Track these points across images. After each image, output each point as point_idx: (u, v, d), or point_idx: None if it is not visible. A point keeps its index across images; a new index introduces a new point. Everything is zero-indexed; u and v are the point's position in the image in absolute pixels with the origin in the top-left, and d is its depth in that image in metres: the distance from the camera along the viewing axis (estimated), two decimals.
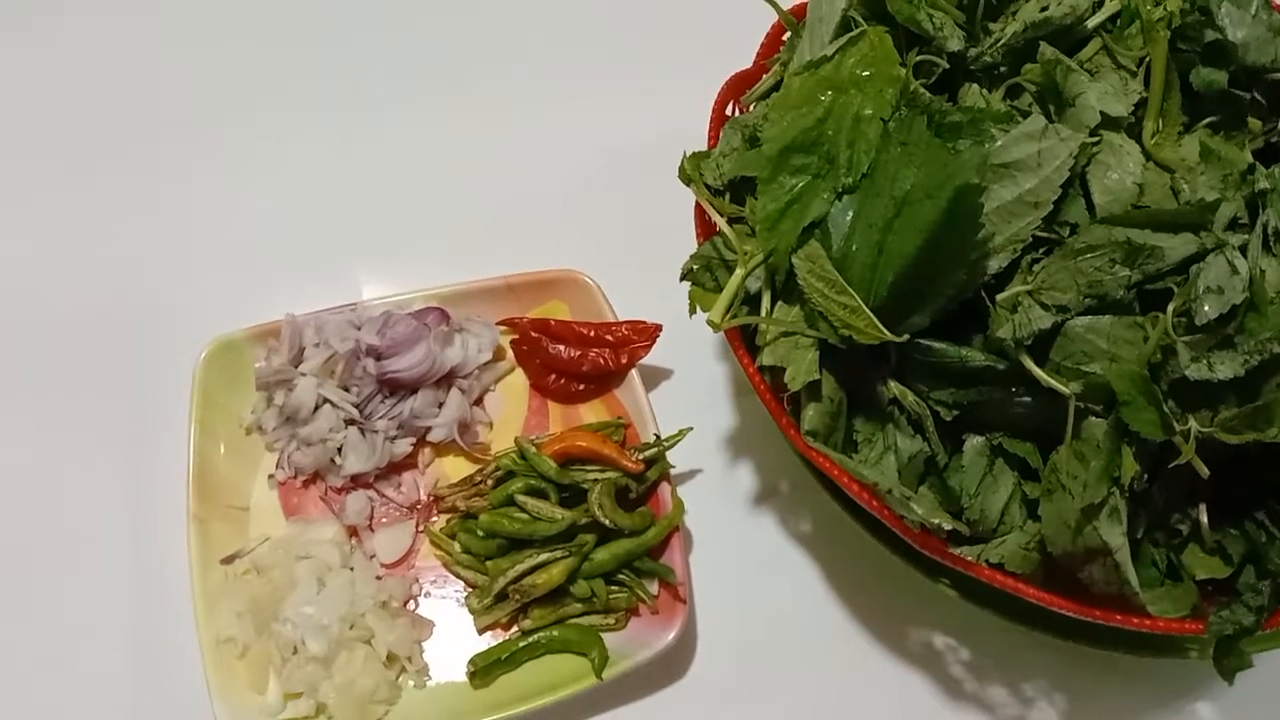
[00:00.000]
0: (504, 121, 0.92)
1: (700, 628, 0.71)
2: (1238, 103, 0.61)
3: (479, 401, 0.76)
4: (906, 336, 0.56)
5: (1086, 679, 0.69)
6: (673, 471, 0.74)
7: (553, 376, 0.76)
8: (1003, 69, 0.64)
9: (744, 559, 0.73)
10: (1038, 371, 0.56)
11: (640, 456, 0.70)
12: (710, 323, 0.60)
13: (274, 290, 0.79)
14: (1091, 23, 0.66)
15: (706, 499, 0.75)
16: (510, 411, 0.77)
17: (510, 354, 0.78)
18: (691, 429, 0.72)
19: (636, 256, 0.77)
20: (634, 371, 0.74)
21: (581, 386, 0.75)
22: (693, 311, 0.63)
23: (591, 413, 0.76)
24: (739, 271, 0.61)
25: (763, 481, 0.76)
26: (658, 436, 0.71)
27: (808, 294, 0.59)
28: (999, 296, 0.56)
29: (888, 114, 0.58)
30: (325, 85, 0.95)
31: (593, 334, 0.75)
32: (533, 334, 0.75)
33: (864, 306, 0.56)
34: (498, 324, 0.77)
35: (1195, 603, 0.59)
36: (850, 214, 0.58)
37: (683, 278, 0.65)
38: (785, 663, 0.70)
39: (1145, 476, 0.56)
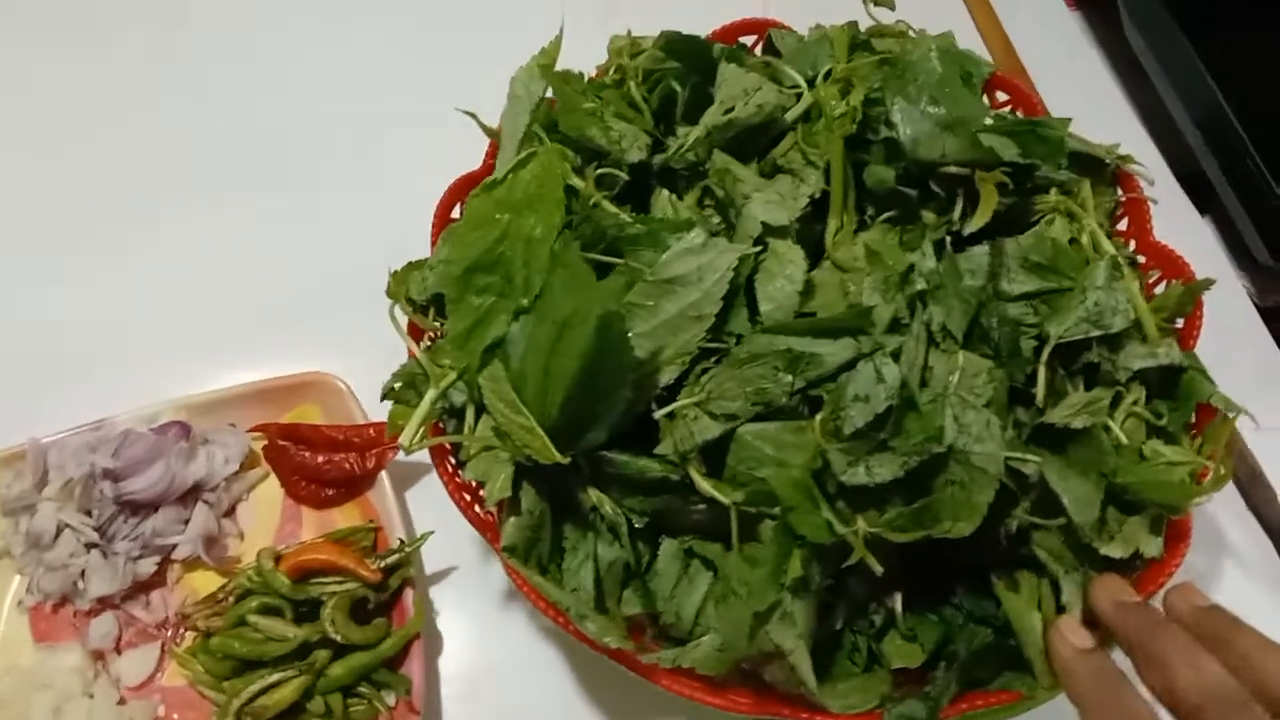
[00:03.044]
0: (260, 219, 0.92)
1: None
2: (907, 200, 0.63)
3: (230, 512, 0.76)
4: (569, 458, 0.57)
5: None
6: (428, 570, 0.74)
7: (303, 483, 0.76)
8: (689, 174, 0.65)
9: (497, 657, 0.74)
10: (700, 482, 0.57)
11: (380, 565, 0.70)
12: (401, 444, 0.61)
13: (25, 409, 0.78)
14: (791, 115, 0.67)
15: (461, 597, 0.75)
16: (262, 520, 0.77)
17: (264, 461, 0.78)
18: (432, 533, 0.72)
19: (393, 357, 0.77)
20: (384, 473, 0.75)
21: (331, 491, 0.76)
22: (391, 432, 0.64)
23: (344, 517, 0.76)
24: (430, 393, 0.61)
25: None
26: (402, 542, 0.72)
27: (491, 413, 0.60)
28: (662, 411, 0.57)
29: (554, 236, 0.59)
30: (64, 190, 0.94)
31: (342, 437, 0.75)
32: (279, 441, 0.75)
33: (537, 427, 0.57)
34: (250, 430, 0.78)
35: (885, 692, 0.60)
36: (523, 335, 0.59)
37: (384, 397, 0.65)
38: None
39: (820, 574, 0.57)
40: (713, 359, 0.59)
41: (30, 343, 0.86)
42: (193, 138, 0.97)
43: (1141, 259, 0.72)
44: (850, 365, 0.56)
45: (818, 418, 0.55)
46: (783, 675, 0.58)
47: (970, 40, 1.00)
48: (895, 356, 0.56)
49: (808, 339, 0.57)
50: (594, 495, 0.62)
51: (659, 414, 0.57)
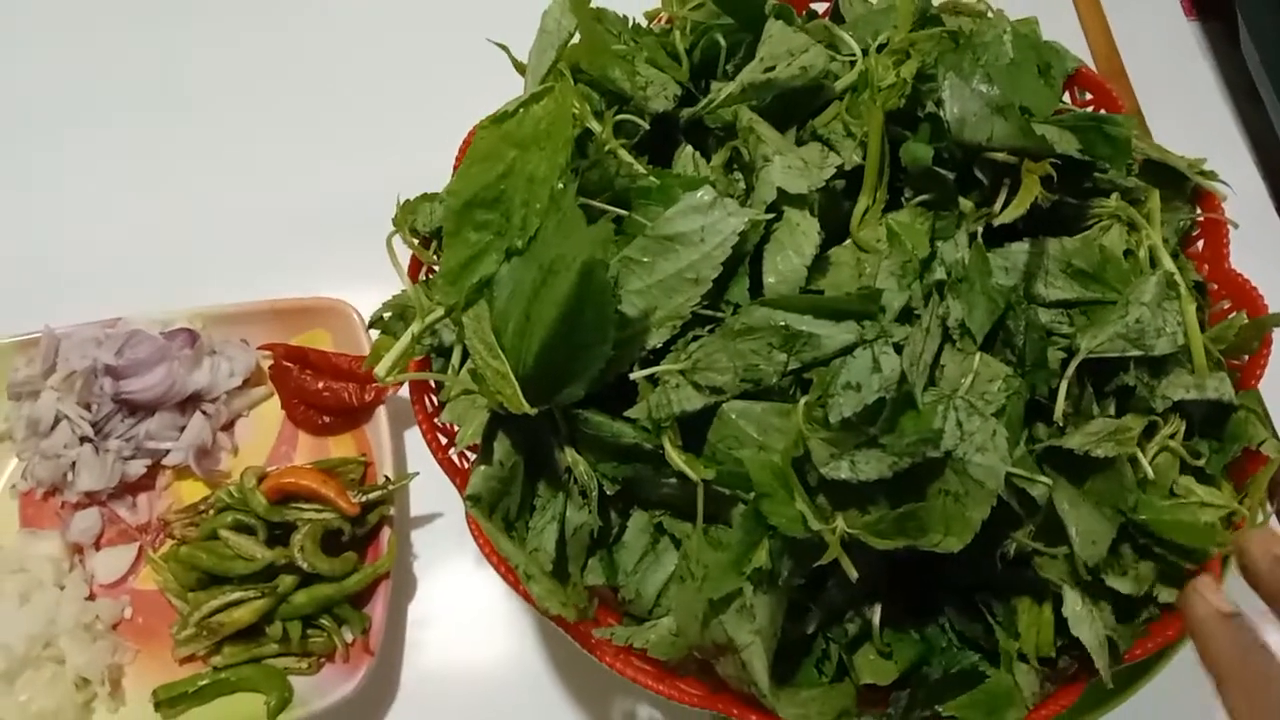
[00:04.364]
0: (300, 140, 0.91)
1: (409, 677, 0.70)
2: (944, 183, 0.58)
3: (228, 427, 0.76)
4: (537, 411, 0.53)
5: None
6: (414, 514, 0.73)
7: (302, 407, 0.75)
8: (722, 135, 0.61)
9: (468, 611, 0.72)
10: (672, 452, 0.53)
11: (362, 499, 0.69)
12: (376, 375, 0.58)
13: (51, 301, 0.79)
14: (840, 85, 0.63)
15: (443, 546, 0.74)
16: (259, 439, 0.76)
17: (269, 381, 0.77)
18: (417, 474, 0.71)
19: None
20: (382, 408, 0.73)
21: (327, 419, 0.74)
22: (371, 362, 0.62)
23: (339, 447, 0.75)
24: (414, 325, 0.59)
25: None
26: (387, 479, 0.70)
27: (471, 354, 0.57)
28: (641, 373, 0.54)
29: (556, 177, 0.56)
30: (116, 101, 0.96)
31: (347, 366, 0.74)
32: (285, 362, 0.74)
33: (510, 373, 0.54)
34: (261, 348, 0.77)
35: (846, 707, 0.56)
36: (511, 277, 0.56)
37: (370, 325, 0.63)
38: None
39: (790, 570, 0.53)
40: (706, 328, 0.55)
41: (65, 240, 0.88)
42: (243, 61, 0.98)
43: (1213, 286, 0.66)
44: (849, 351, 0.52)
45: (802, 401, 0.51)
46: (734, 671, 0.54)
47: (1072, 37, 0.94)
48: (898, 348, 0.52)
49: (809, 318, 0.53)
50: (569, 455, 0.59)
51: (637, 375, 0.53)
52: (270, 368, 0.76)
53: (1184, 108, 0.91)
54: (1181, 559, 0.55)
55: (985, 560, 0.54)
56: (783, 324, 0.53)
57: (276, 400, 0.77)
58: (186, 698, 0.65)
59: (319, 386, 0.73)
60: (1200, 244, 0.67)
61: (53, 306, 0.77)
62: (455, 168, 0.68)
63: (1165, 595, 0.55)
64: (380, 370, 0.59)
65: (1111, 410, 0.57)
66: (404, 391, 0.75)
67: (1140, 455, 0.55)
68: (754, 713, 0.55)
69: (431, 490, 0.73)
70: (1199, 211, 0.66)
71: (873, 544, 0.51)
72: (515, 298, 0.55)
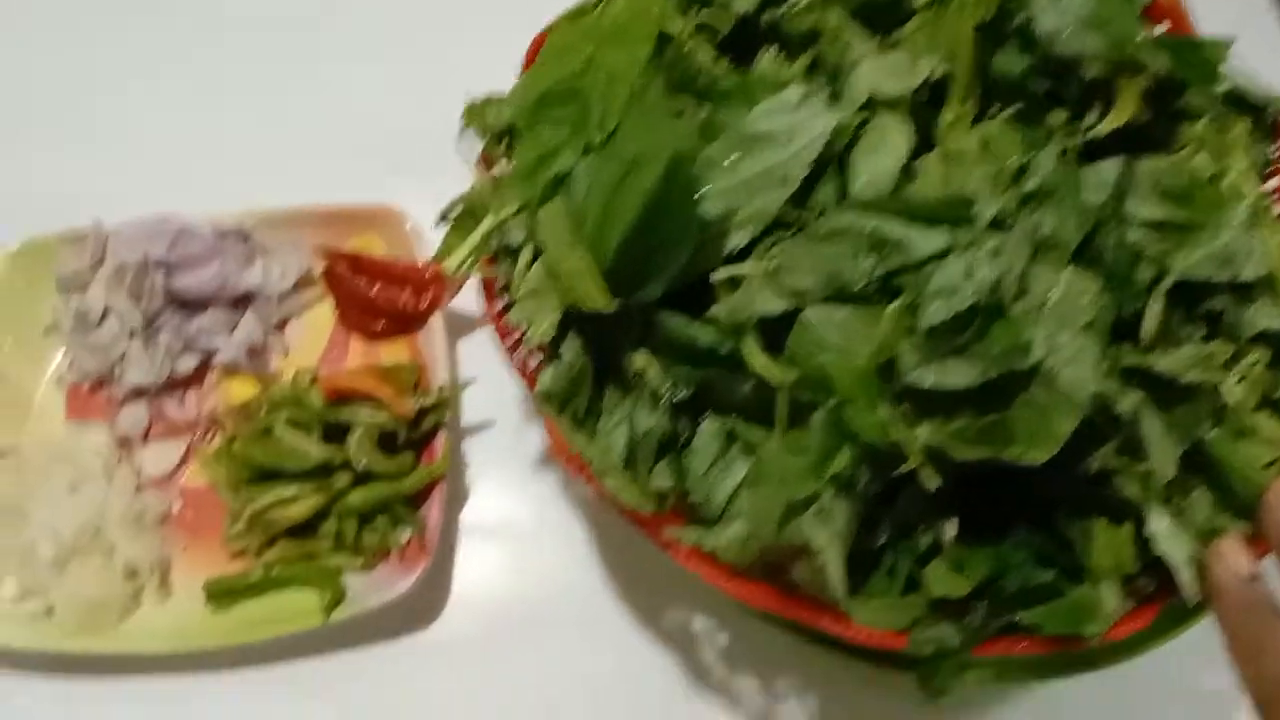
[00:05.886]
0: (365, 47, 0.90)
1: (460, 583, 0.69)
2: (1035, 97, 0.57)
3: (280, 327, 0.75)
4: (617, 303, 0.53)
5: (841, 683, 0.66)
6: (465, 423, 0.72)
7: (355, 312, 0.74)
8: (804, 42, 0.60)
9: (520, 519, 0.71)
10: (755, 355, 0.53)
11: (419, 403, 0.68)
12: (445, 270, 0.58)
13: (102, 197, 0.77)
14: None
15: (496, 456, 0.73)
16: (310, 341, 0.75)
17: (322, 284, 0.76)
18: (474, 380, 0.70)
19: None
20: (437, 316, 0.72)
21: (381, 325, 0.73)
22: (442, 256, 0.61)
23: (391, 354, 0.74)
24: (487, 220, 0.58)
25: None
26: (442, 387, 0.69)
27: (545, 251, 0.56)
28: (722, 273, 0.53)
29: (637, 72, 0.55)
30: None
31: (403, 272, 0.73)
32: (338, 266, 0.73)
33: (591, 268, 0.53)
34: (314, 251, 0.75)
35: (919, 617, 0.55)
36: (589, 172, 0.55)
37: (440, 219, 0.62)
38: (538, 630, 0.68)
39: (868, 479, 0.52)
40: (789, 231, 0.54)
41: (116, 143, 0.86)
42: None
43: None
44: (940, 258, 0.51)
45: (893, 305, 0.50)
46: (809, 575, 0.53)
47: None
48: (991, 256, 0.51)
49: (899, 223, 0.52)
50: (641, 357, 0.58)
51: (718, 275, 0.52)
52: (323, 271, 0.75)
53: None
54: (1238, 491, 0.54)
55: (1066, 477, 0.54)
56: (872, 228, 0.52)
57: (328, 304, 0.76)
58: (237, 591, 0.65)
59: (373, 292, 0.72)
60: (1275, 180, 0.66)
61: (101, 206, 0.76)
62: (523, 70, 0.66)
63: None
64: (451, 264, 0.58)
65: (1198, 335, 0.56)
66: (458, 301, 0.74)
67: (1226, 382, 0.55)
68: (826, 616, 0.54)
69: (484, 400, 0.73)
70: (1275, 150, 0.65)
71: (956, 453, 0.51)
72: (593, 194, 0.54)
